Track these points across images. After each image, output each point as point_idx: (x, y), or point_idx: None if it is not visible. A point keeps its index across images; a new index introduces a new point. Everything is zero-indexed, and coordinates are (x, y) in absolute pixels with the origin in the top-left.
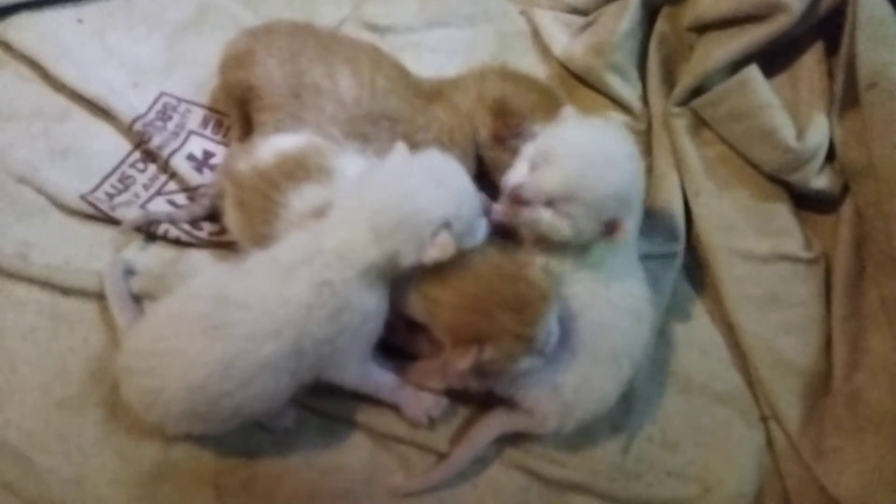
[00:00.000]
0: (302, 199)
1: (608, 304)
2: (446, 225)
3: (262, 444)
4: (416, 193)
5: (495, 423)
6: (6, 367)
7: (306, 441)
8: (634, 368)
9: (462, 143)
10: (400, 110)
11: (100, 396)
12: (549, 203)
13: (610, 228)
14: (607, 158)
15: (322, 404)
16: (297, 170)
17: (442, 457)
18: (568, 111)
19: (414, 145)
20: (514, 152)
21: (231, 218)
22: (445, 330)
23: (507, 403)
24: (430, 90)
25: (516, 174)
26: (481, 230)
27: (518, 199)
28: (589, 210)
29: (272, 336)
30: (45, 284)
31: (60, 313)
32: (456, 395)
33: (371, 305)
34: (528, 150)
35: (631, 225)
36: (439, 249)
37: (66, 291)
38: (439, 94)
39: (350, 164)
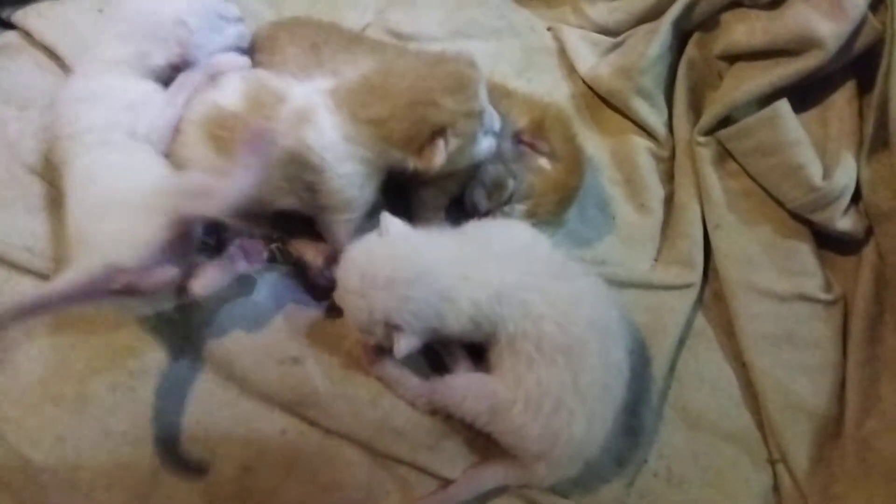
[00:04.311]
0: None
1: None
2: (182, 23)
3: (259, 455)
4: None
5: (490, 474)
6: (7, 361)
7: (303, 456)
8: (602, 397)
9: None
10: None
11: (97, 396)
12: None
13: None
14: None
15: (323, 418)
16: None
17: (446, 482)
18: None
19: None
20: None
21: None
22: (403, 141)
23: (505, 454)
24: None
25: None
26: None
27: None
28: None
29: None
30: (49, 279)
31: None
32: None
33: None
34: None
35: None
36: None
37: None
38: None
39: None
